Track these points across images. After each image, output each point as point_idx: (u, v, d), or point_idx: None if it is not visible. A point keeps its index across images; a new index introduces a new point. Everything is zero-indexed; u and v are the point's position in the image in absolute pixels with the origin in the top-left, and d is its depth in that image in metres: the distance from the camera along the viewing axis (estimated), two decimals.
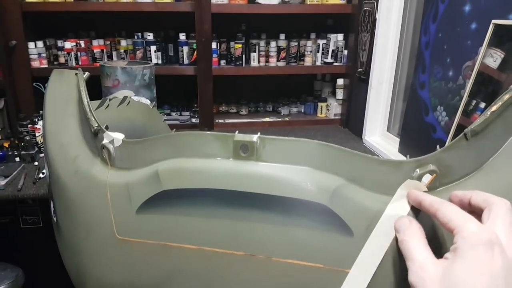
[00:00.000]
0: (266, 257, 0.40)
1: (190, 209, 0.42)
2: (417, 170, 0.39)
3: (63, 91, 0.58)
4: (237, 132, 0.42)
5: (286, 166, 0.41)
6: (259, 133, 0.42)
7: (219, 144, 0.42)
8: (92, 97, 0.56)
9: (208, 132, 0.43)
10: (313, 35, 2.21)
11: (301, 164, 0.41)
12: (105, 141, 0.48)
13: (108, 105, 0.67)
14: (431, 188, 0.39)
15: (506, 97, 0.37)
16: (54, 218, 0.57)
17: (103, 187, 0.42)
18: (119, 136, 0.47)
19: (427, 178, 0.40)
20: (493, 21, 1.07)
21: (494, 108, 0.37)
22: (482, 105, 1.11)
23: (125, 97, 0.70)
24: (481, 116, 0.38)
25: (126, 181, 0.46)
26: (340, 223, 0.39)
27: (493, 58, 1.07)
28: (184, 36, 2.04)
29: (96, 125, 0.50)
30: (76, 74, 0.58)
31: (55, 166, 0.54)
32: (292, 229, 0.40)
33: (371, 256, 0.38)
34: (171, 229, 0.43)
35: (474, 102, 1.14)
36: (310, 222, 0.40)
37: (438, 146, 0.40)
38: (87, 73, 0.60)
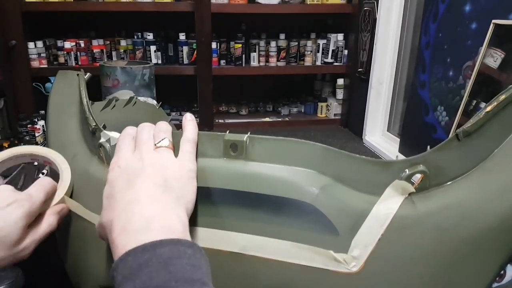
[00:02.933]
0: (252, 255, 0.40)
1: None
2: (406, 170, 0.39)
3: (66, 92, 0.59)
4: (227, 131, 0.43)
5: (274, 165, 0.42)
6: (249, 133, 0.43)
7: (210, 143, 0.43)
8: (91, 97, 0.57)
9: (200, 132, 0.44)
10: (313, 35, 2.21)
11: (289, 163, 0.42)
12: (102, 140, 0.49)
13: (114, 106, 0.68)
14: (421, 189, 0.39)
15: (502, 97, 0.36)
16: None
17: (100, 185, 0.42)
18: (115, 135, 0.48)
19: (417, 179, 0.39)
20: (493, 21, 1.07)
21: (488, 108, 0.36)
22: (483, 105, 1.10)
23: (131, 98, 0.71)
24: (474, 116, 0.37)
25: None
26: (325, 222, 0.39)
27: (494, 58, 1.07)
28: (184, 36, 2.04)
29: (94, 124, 0.50)
30: (77, 74, 0.59)
31: None
32: (278, 228, 0.40)
33: None
34: None
35: (474, 102, 1.13)
36: (296, 220, 0.40)
37: (428, 147, 0.40)
38: (88, 74, 0.61)
